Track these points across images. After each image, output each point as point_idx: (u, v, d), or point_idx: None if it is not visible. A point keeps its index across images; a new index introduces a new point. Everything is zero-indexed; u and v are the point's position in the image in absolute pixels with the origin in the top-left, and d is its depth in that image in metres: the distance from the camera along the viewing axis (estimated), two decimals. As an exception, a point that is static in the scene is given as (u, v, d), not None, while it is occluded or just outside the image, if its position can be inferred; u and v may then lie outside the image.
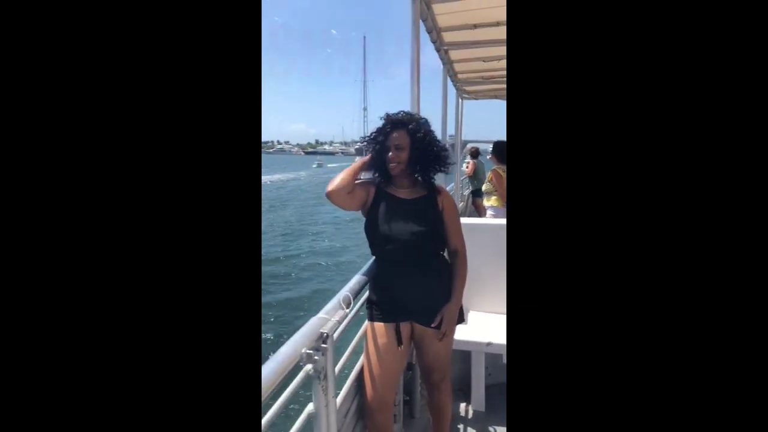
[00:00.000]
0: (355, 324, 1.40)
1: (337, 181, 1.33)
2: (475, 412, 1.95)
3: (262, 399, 0.76)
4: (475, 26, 2.54)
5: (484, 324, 2.00)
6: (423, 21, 2.24)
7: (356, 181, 1.38)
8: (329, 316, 1.06)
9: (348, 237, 11.87)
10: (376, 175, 1.43)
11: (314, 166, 62.21)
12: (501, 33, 2.54)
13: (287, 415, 0.94)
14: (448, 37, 2.77)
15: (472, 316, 2.08)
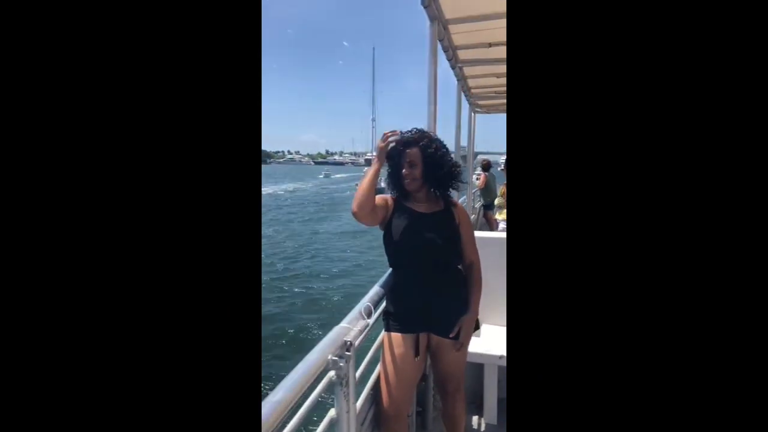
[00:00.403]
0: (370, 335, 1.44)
1: (359, 199, 1.33)
2: (487, 425, 1.96)
3: (293, 401, 0.80)
4: (490, 45, 2.61)
5: (496, 337, 2.02)
6: (440, 41, 2.30)
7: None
8: (351, 326, 1.10)
9: (339, 255, 11.49)
10: (390, 187, 1.48)
11: (321, 176, 63.23)
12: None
13: (310, 419, 0.98)
14: (464, 54, 2.84)
15: (483, 329, 2.10)
